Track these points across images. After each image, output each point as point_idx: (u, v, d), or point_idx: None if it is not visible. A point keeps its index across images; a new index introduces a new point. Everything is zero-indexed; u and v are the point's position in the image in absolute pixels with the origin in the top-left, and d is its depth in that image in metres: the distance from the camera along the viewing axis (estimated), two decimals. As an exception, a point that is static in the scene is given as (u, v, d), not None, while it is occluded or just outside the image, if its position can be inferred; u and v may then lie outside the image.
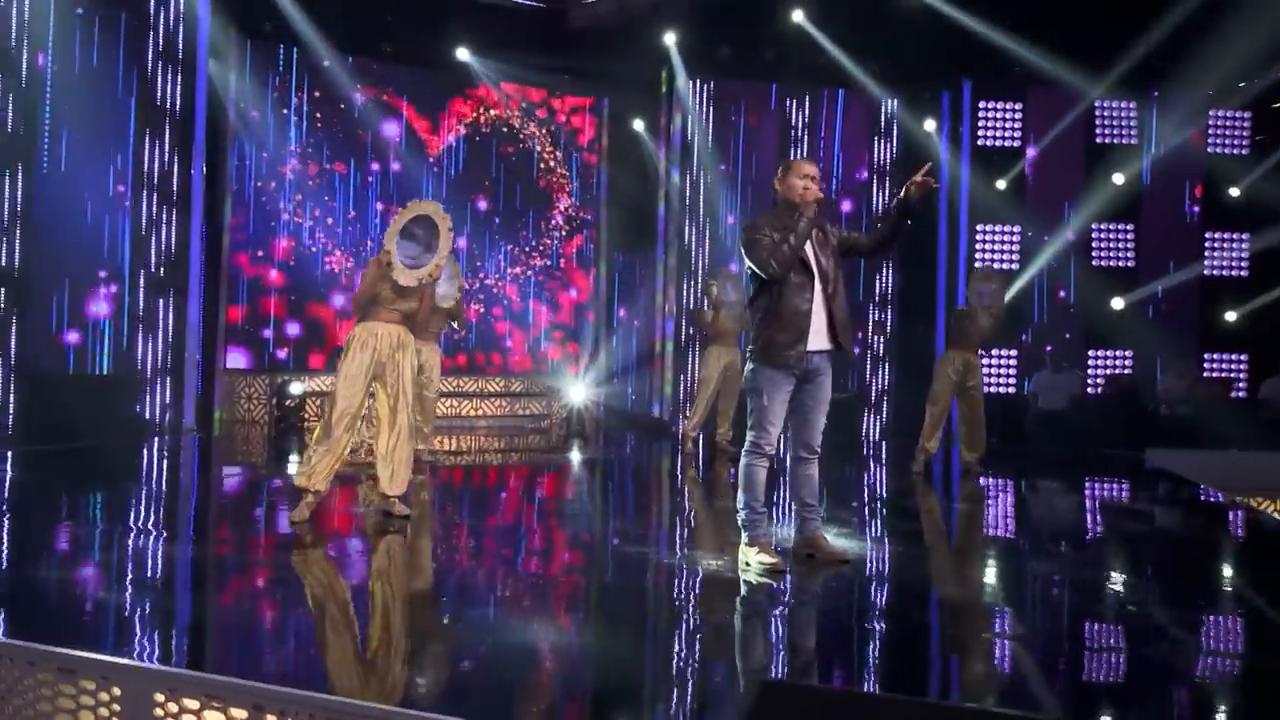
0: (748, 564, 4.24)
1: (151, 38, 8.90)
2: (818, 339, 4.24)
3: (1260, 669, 3.21)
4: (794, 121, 11.80)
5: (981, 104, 11.47)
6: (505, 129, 11.90)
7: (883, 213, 11.64)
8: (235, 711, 2.50)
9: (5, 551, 4.56)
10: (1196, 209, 11.52)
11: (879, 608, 4.03)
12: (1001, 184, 11.33)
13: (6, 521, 5.27)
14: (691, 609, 3.96)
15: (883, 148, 11.83)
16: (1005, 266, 11.04)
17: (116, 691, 2.65)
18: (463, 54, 11.10)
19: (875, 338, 11.69)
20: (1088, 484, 8.08)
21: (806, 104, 11.77)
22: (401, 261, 4.97)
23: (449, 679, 2.98)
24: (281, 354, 10.81)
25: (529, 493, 7.30)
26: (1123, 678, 3.18)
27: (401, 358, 5.13)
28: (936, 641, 3.60)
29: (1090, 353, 11.51)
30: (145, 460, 7.88)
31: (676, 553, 4.98)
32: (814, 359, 4.26)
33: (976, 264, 11.29)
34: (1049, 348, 11.26)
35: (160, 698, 2.60)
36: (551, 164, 12.20)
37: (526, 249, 12.02)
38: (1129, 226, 11.48)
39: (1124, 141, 11.39)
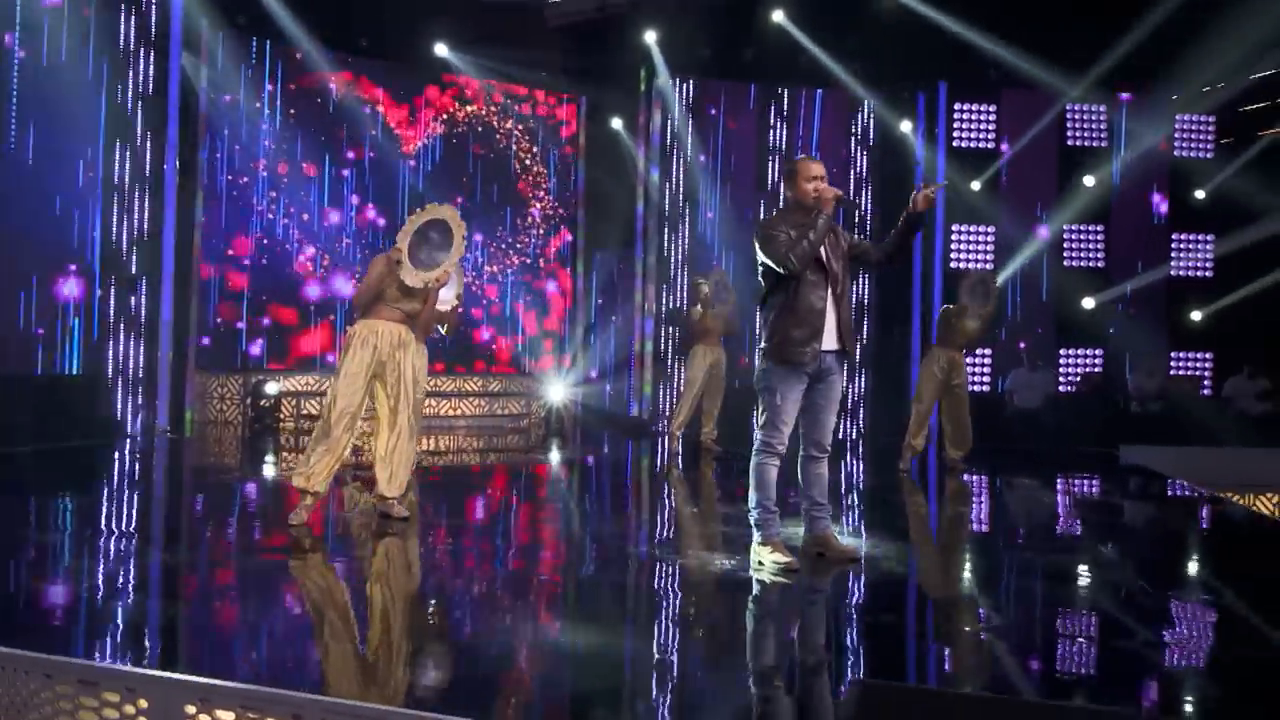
0: (761, 563, 4.23)
1: (124, 23, 8.64)
2: (829, 338, 4.25)
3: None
4: (772, 121, 11.84)
5: (957, 105, 11.61)
6: (480, 128, 11.76)
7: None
8: (272, 722, 2.43)
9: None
10: (1164, 209, 11.78)
11: (911, 605, 4.04)
12: (976, 185, 11.48)
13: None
14: (707, 608, 3.93)
15: (859, 148, 11.92)
16: (980, 266, 11.18)
17: (144, 704, 2.55)
18: (441, 50, 10.97)
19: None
20: (1075, 481, 8.20)
21: (785, 103, 11.81)
22: (411, 262, 4.90)
23: (483, 684, 2.92)
24: (255, 352, 10.58)
25: (521, 493, 7.22)
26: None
27: (403, 357, 5.03)
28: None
29: (1062, 351, 11.72)
30: (121, 463, 7.66)
31: (685, 553, 4.94)
32: (826, 358, 4.26)
33: (951, 264, 11.44)
34: (1022, 344, 11.43)
35: (191, 709, 2.51)
36: (528, 161, 12.10)
37: (503, 246, 11.90)
38: (1099, 228, 11.71)
39: (1095, 144, 11.62)
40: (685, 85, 11.57)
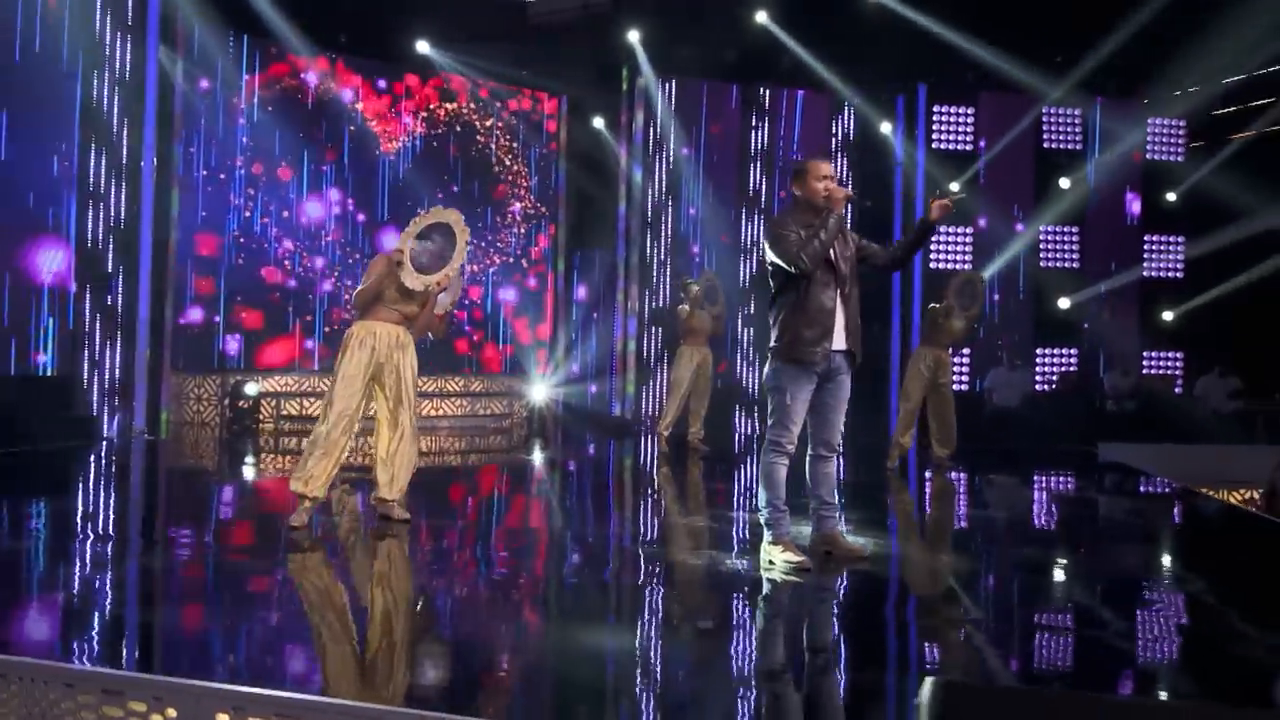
0: (771, 562, 4.23)
1: (99, 14, 8.45)
2: (839, 338, 4.26)
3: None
4: (754, 122, 11.87)
5: (936, 108, 11.74)
6: (458, 128, 11.63)
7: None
8: (308, 730, 2.37)
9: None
10: (1137, 209, 12.01)
11: (915, 601, 4.07)
12: (955, 186, 11.61)
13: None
14: (720, 608, 3.93)
15: (839, 149, 12.00)
16: (959, 267, 11.31)
17: (172, 713, 2.48)
18: (423, 47, 10.86)
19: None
20: (1065, 478, 8.32)
21: (766, 104, 11.86)
22: (413, 265, 4.83)
23: (502, 685, 2.89)
24: (232, 352, 10.39)
25: (515, 495, 7.17)
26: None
27: (401, 358, 4.96)
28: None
29: (1038, 350, 11.90)
30: (99, 465, 7.48)
31: (691, 552, 4.93)
32: (835, 358, 4.27)
33: (931, 265, 11.56)
34: (1001, 340, 11.59)
35: (224, 718, 2.45)
36: (508, 161, 12.01)
37: (482, 243, 11.79)
38: (1074, 229, 11.91)
39: (1070, 147, 11.82)
40: (668, 85, 11.56)
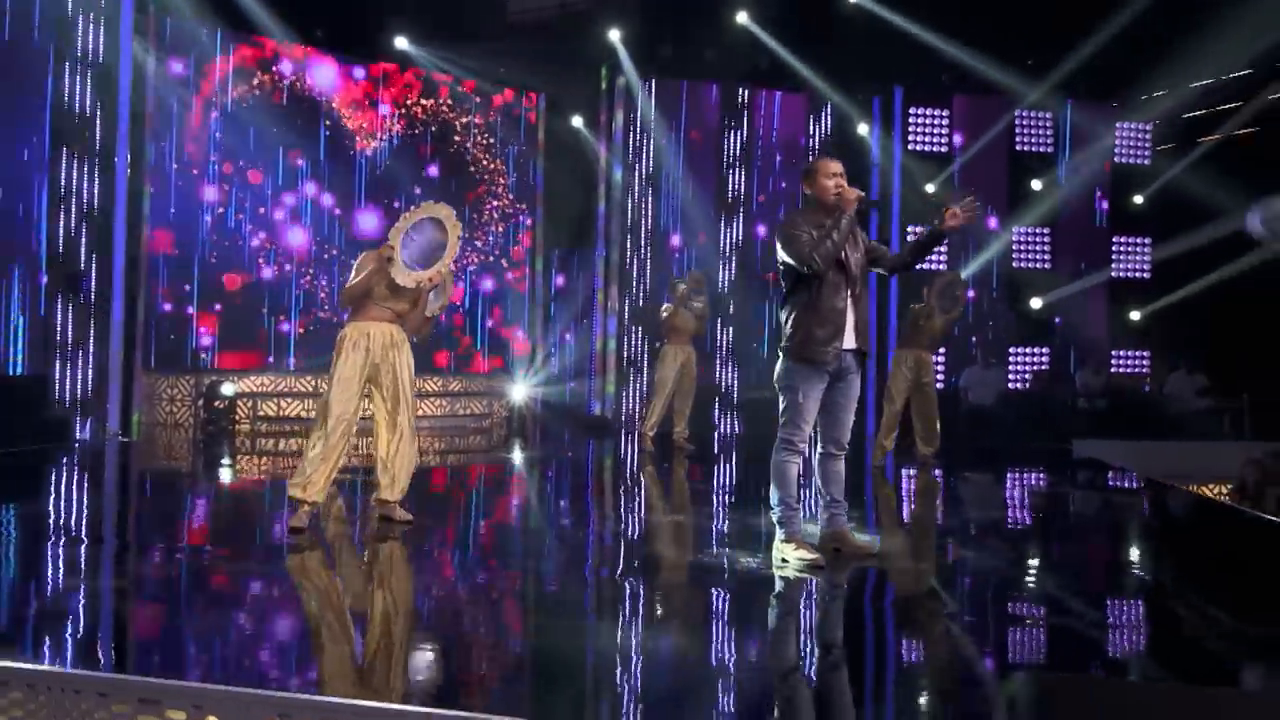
0: (785, 560, 4.25)
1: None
2: (850, 338, 4.29)
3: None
4: (730, 123, 11.91)
5: (912, 109, 11.88)
6: (434, 127, 11.50)
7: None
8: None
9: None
10: (1105, 206, 12.27)
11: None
12: (931, 187, 11.77)
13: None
14: (734, 606, 3.93)
15: (816, 149, 12.09)
16: (936, 267, 11.46)
17: (214, 721, 2.43)
18: (401, 43, 10.74)
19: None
20: (1049, 475, 8.46)
21: (745, 103, 11.90)
22: (404, 261, 4.74)
23: (529, 681, 2.87)
24: (205, 352, 10.18)
25: (509, 495, 7.12)
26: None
27: (397, 357, 4.88)
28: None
29: (1011, 350, 12.10)
30: (76, 470, 7.28)
31: (700, 551, 4.93)
32: (846, 357, 4.30)
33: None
34: (974, 338, 11.77)
35: (269, 725, 2.39)
36: (485, 161, 11.91)
37: (459, 240, 11.68)
38: (1046, 230, 12.13)
39: (1042, 149, 12.04)
40: (649, 84, 11.56)
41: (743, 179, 11.85)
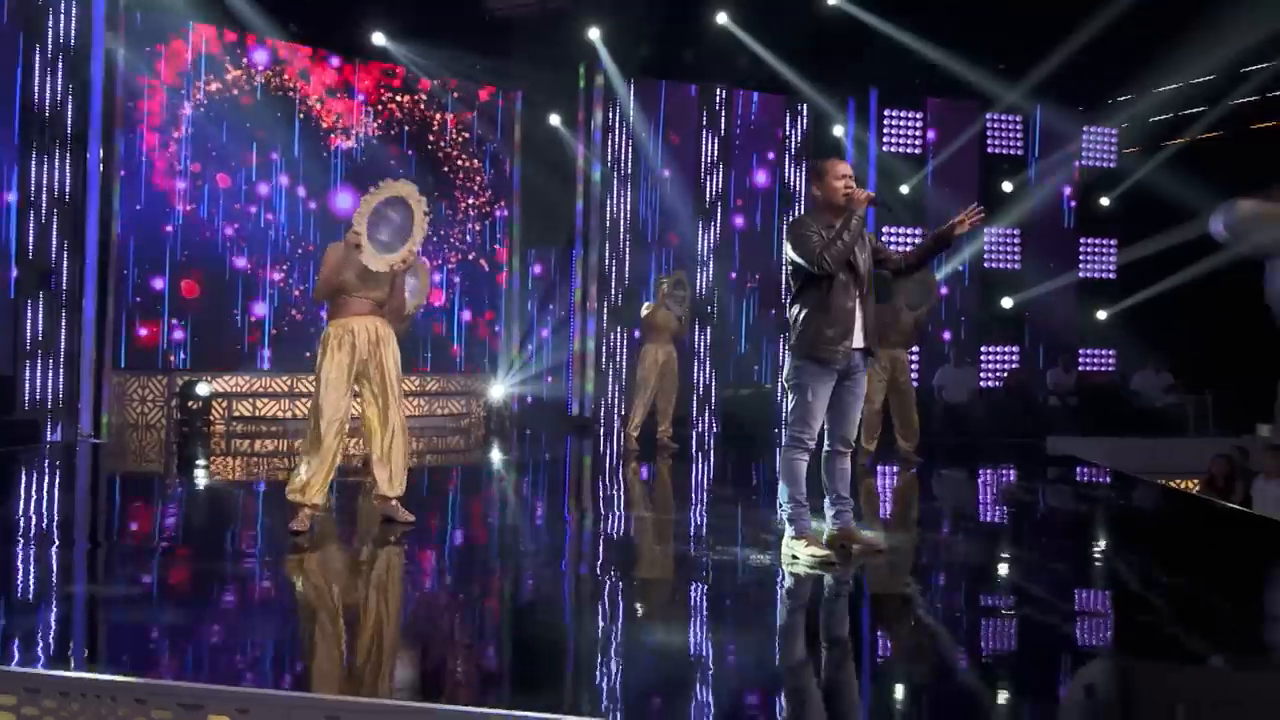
0: (795, 557, 4.28)
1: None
2: (858, 337, 4.34)
3: None
4: (705, 121, 11.94)
5: (887, 111, 12.03)
6: (409, 127, 11.37)
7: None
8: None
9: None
10: (1074, 206, 12.54)
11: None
12: (905, 189, 11.93)
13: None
14: (748, 603, 3.96)
15: (792, 149, 12.18)
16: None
17: (260, 725, 2.38)
18: (378, 39, 10.61)
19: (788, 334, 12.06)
20: (1030, 470, 8.58)
21: (722, 104, 11.95)
22: (372, 245, 4.61)
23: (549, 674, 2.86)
24: (177, 351, 9.96)
25: (504, 495, 7.07)
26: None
27: (384, 352, 4.80)
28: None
29: (982, 349, 12.31)
30: (56, 472, 7.09)
31: (707, 549, 4.95)
32: (854, 356, 4.35)
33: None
34: (947, 335, 11.95)
35: (318, 729, 2.36)
36: (462, 161, 11.81)
37: (435, 238, 11.57)
38: (1015, 231, 12.36)
39: (1012, 152, 12.27)
40: (629, 83, 11.55)
41: (720, 179, 11.90)
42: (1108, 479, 7.99)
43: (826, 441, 4.50)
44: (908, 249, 4.63)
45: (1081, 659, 3.18)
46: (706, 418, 11.59)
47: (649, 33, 10.95)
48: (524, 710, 2.40)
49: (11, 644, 2.95)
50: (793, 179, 12.14)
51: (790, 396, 4.39)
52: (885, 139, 12.01)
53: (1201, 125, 11.27)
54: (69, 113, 8.22)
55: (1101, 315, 12.42)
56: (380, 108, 11.17)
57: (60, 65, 8.14)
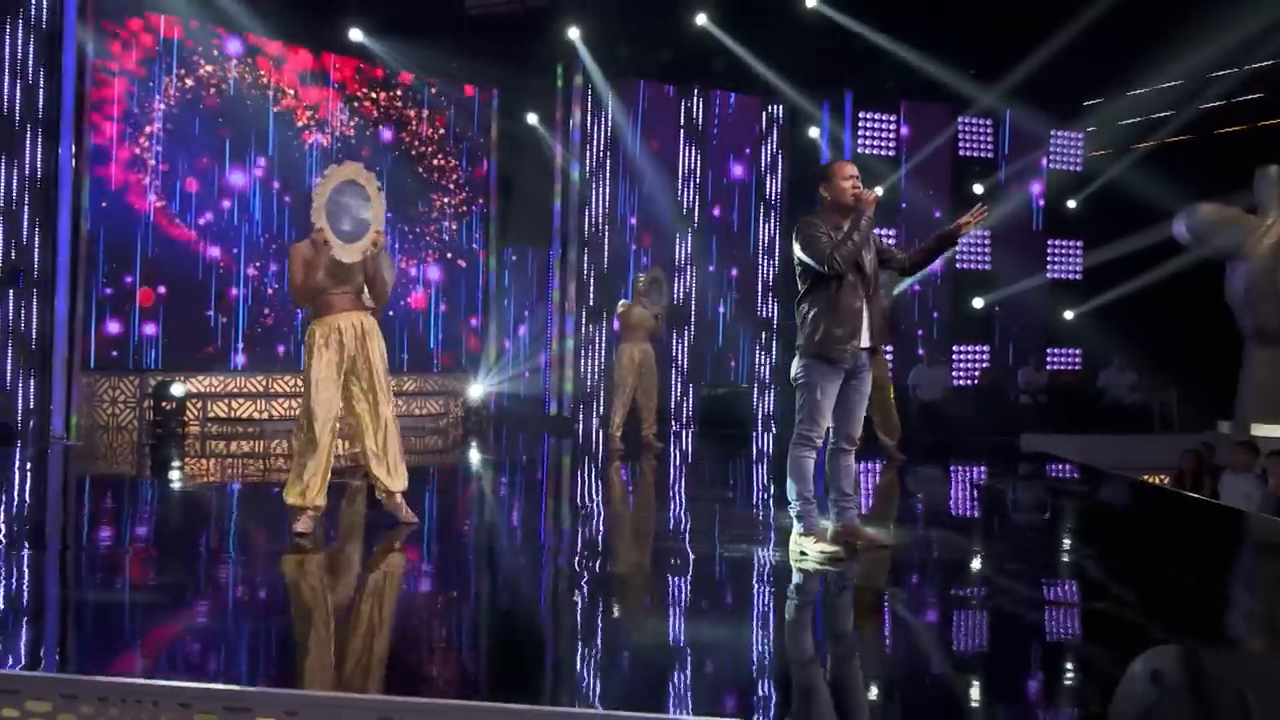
0: (804, 553, 4.32)
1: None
2: (865, 336, 4.39)
3: None
4: (682, 121, 11.98)
5: (861, 114, 12.18)
6: (384, 126, 11.24)
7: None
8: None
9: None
10: (1040, 204, 12.81)
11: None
12: (879, 190, 12.06)
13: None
14: (759, 600, 4.00)
15: (767, 151, 12.28)
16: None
17: (309, 728, 2.36)
18: (356, 34, 10.48)
19: (765, 334, 12.18)
20: (1013, 467, 8.75)
21: (699, 104, 11.99)
22: (338, 237, 4.53)
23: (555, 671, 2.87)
24: (148, 350, 9.74)
25: (498, 495, 7.04)
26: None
27: (371, 347, 4.73)
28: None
29: (954, 348, 12.53)
30: (40, 473, 6.91)
31: (715, 546, 4.97)
32: (861, 355, 4.41)
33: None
34: (920, 331, 12.14)
35: (371, 731, 2.34)
36: (439, 160, 11.71)
37: (410, 236, 11.46)
38: (986, 233, 12.58)
39: (983, 155, 12.50)
40: (608, 83, 11.54)
41: (697, 179, 11.94)
42: (1085, 475, 8.17)
43: (831, 439, 4.54)
44: (913, 248, 4.68)
45: (1079, 650, 3.26)
46: (688, 417, 11.62)
47: (628, 33, 10.96)
48: (568, 707, 2.40)
49: (41, 650, 2.88)
50: (768, 179, 12.23)
51: (798, 395, 4.43)
52: (860, 140, 12.16)
53: (1169, 129, 11.57)
54: (40, 94, 7.99)
55: (1069, 315, 12.70)
56: (356, 104, 11.03)
57: (31, 45, 7.92)
